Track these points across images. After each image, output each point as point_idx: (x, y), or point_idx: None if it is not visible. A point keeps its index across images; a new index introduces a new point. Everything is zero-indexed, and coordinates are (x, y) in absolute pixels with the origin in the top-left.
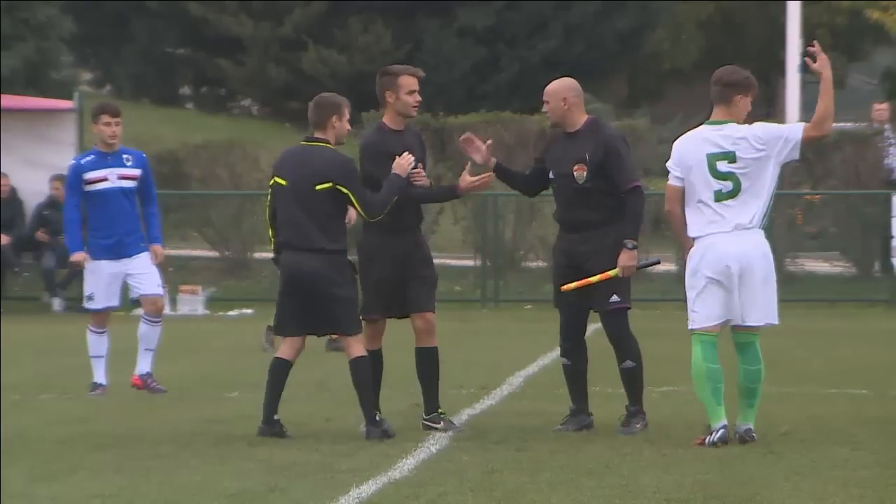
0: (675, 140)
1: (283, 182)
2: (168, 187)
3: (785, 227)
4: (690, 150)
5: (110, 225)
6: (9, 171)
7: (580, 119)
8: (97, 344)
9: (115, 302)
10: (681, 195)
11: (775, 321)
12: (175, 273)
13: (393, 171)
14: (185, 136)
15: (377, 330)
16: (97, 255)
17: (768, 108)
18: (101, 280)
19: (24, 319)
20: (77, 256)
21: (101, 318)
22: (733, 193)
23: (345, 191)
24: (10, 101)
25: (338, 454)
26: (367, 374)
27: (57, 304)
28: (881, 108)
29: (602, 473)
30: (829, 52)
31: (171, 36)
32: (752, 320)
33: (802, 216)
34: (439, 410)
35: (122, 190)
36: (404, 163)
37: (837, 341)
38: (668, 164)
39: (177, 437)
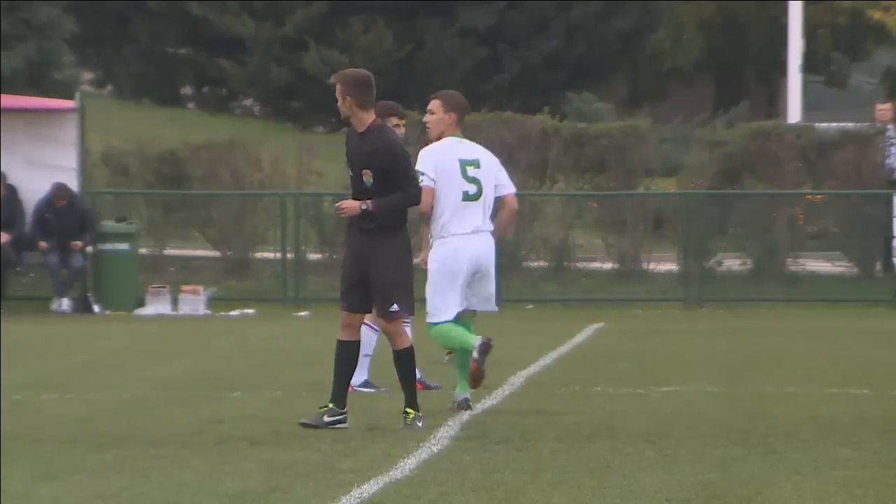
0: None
1: None
2: (169, 187)
3: (786, 228)
4: (443, 156)
5: None
6: (10, 171)
7: None
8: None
9: None
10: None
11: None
12: (176, 273)
13: None
14: (186, 136)
15: (348, 320)
16: None
17: (769, 108)
18: None
19: (25, 319)
20: None
21: None
22: (477, 196)
23: None
24: (10, 101)
25: (339, 454)
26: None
27: (65, 304)
28: (884, 108)
29: (603, 473)
30: (831, 51)
31: (172, 36)
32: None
33: (804, 216)
34: (406, 409)
35: None
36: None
37: (839, 341)
38: (420, 168)
39: (178, 437)
